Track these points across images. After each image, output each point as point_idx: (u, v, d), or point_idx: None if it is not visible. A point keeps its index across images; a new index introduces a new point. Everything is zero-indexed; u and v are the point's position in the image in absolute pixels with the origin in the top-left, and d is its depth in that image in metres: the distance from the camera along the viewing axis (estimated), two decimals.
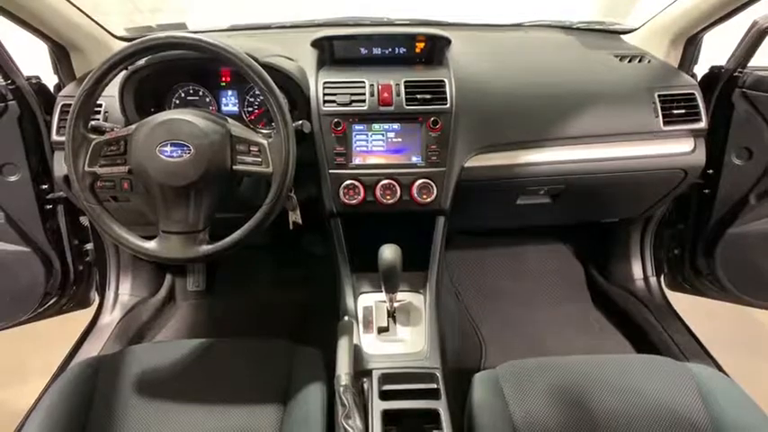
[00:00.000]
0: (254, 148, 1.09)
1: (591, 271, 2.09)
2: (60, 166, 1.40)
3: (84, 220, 1.77)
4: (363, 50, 1.59)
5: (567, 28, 1.83)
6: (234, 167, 1.08)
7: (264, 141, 1.09)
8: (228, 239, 1.08)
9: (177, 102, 1.45)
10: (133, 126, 1.09)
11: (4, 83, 1.47)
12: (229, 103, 1.46)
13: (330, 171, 1.34)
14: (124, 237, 1.09)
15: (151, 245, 1.09)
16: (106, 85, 1.07)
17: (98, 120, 1.23)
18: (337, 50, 1.47)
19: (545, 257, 2.11)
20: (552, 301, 1.98)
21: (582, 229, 2.13)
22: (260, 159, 1.08)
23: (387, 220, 1.38)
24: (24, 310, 1.64)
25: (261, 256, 2.00)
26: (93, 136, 1.10)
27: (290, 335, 1.55)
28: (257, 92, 1.41)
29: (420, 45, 1.58)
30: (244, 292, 1.96)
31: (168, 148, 1.05)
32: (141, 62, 1.24)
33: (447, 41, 1.49)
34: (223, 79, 1.44)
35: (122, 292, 1.82)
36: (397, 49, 1.59)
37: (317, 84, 1.35)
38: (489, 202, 1.60)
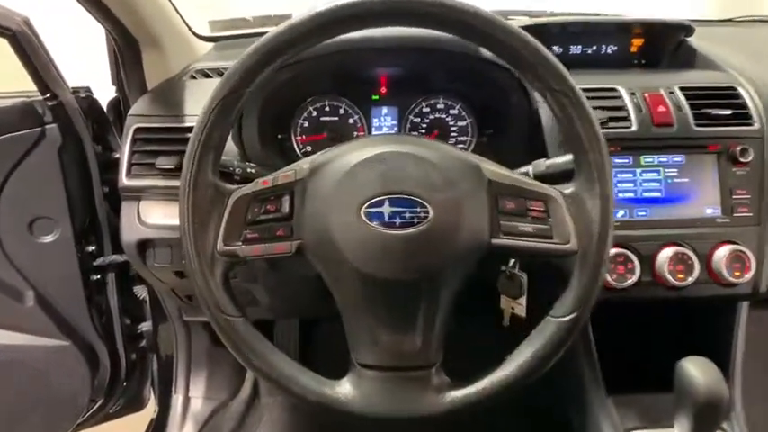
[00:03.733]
0: (534, 207, 0.58)
1: None
2: (132, 227, 0.88)
3: (139, 291, 1.25)
4: (557, 49, 1.11)
5: None
6: (495, 241, 0.58)
7: (556, 194, 0.59)
8: (496, 379, 0.58)
9: (306, 124, 0.95)
10: (303, 166, 0.59)
11: (41, 97, 0.97)
12: (383, 125, 0.97)
13: None
14: (296, 378, 0.58)
15: (347, 392, 0.59)
16: (250, 93, 0.58)
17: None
18: None
19: None
20: None
21: None
22: (545, 227, 0.58)
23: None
24: (62, 426, 1.11)
25: None
26: (230, 186, 0.60)
27: None
28: (425, 108, 0.92)
29: (638, 42, 1.11)
30: (345, 367, 1.43)
31: (385, 210, 0.55)
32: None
33: (684, 30, 1.02)
34: (378, 89, 0.95)
35: (194, 395, 1.29)
36: (604, 47, 1.11)
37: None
38: None
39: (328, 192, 0.57)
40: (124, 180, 0.87)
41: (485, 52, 0.79)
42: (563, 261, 0.59)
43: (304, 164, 0.60)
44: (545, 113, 0.85)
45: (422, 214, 0.55)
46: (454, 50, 0.78)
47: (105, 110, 1.11)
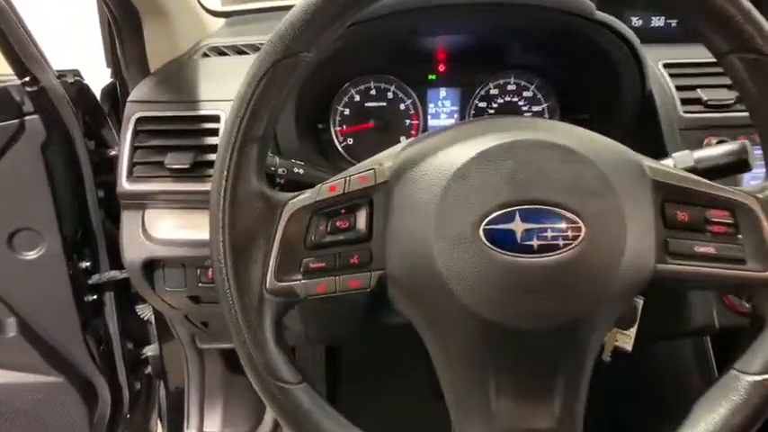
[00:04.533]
0: (717, 218, 0.41)
1: None
2: (135, 242, 0.70)
3: (143, 311, 1.07)
4: (635, 21, 0.94)
5: None
6: (662, 267, 0.40)
7: (749, 199, 0.41)
8: None
9: (347, 112, 0.78)
10: (384, 163, 0.42)
11: (18, 81, 0.79)
12: (441, 111, 0.79)
13: None
14: None
15: None
16: (309, 62, 0.40)
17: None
18: None
19: None
20: None
21: None
22: (734, 246, 0.41)
23: None
24: None
25: (407, 349, 1.30)
26: (281, 194, 0.42)
27: None
28: (493, 90, 0.75)
29: None
30: (385, 406, 1.26)
31: (516, 228, 0.37)
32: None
33: None
34: (436, 67, 0.77)
35: (210, 429, 1.11)
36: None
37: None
38: None
39: (427, 200, 0.39)
40: (125, 184, 0.68)
41: (598, 13, 0.61)
42: (761, 295, 0.41)
43: (385, 160, 0.43)
44: (660, 97, 0.67)
45: (570, 233, 0.38)
46: (556, 7, 0.61)
47: (99, 98, 0.93)
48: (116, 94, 0.91)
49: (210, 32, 0.94)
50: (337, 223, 0.42)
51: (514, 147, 0.39)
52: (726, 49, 0.40)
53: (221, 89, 0.71)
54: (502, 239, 0.38)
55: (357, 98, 0.77)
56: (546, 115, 0.78)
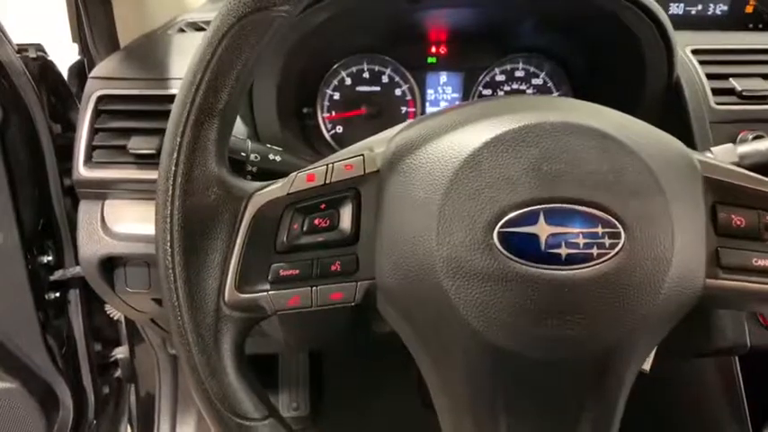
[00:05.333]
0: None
1: None
2: (92, 237, 0.61)
3: (112, 310, 0.99)
4: None
5: None
6: (713, 283, 0.33)
7: None
8: None
9: (336, 96, 0.70)
10: (375, 148, 0.34)
11: None
12: (441, 98, 0.71)
13: None
14: None
15: None
16: (284, 23, 0.33)
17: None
18: None
19: None
20: None
21: None
22: None
23: None
24: None
25: (396, 356, 1.22)
26: (247, 183, 0.34)
27: None
28: (499, 76, 0.68)
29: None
30: (369, 413, 1.19)
31: (540, 232, 0.30)
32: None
33: None
34: (437, 49, 0.69)
35: None
36: (713, 6, 0.88)
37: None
38: None
39: (428, 196, 0.31)
40: (82, 170, 0.60)
41: None
42: None
43: (377, 144, 0.35)
44: (688, 86, 0.60)
45: (607, 240, 0.30)
46: None
47: (66, 77, 0.85)
48: (85, 73, 0.83)
49: (191, 9, 0.86)
50: (316, 221, 0.34)
51: (540, 130, 0.31)
52: None
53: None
54: (522, 246, 0.30)
55: (348, 81, 0.70)
56: None
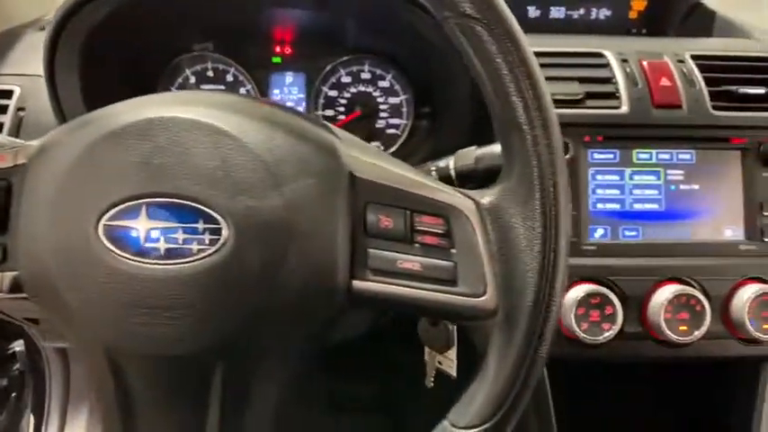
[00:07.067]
0: (428, 226, 0.33)
1: None
2: None
3: None
4: (533, 11, 0.87)
5: None
6: (358, 284, 0.32)
7: (466, 205, 0.33)
8: None
9: None
10: (37, 141, 0.34)
11: None
12: (287, 98, 0.71)
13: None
14: None
15: None
16: None
17: None
18: None
19: None
20: None
21: None
22: (445, 264, 0.33)
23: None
24: None
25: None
26: None
27: None
28: (345, 77, 0.68)
29: (639, 4, 0.87)
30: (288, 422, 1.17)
31: (140, 225, 0.29)
32: None
33: None
34: (282, 48, 0.69)
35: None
36: (595, 10, 0.88)
37: None
38: None
39: (47, 188, 0.32)
40: None
41: None
42: (476, 326, 0.33)
43: (44, 137, 0.35)
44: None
45: (208, 236, 0.30)
46: None
47: None
48: None
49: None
50: None
51: (154, 125, 0.31)
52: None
53: (25, 63, 0.64)
54: (123, 241, 0.30)
55: (192, 80, 0.70)
56: (404, 109, 0.71)
